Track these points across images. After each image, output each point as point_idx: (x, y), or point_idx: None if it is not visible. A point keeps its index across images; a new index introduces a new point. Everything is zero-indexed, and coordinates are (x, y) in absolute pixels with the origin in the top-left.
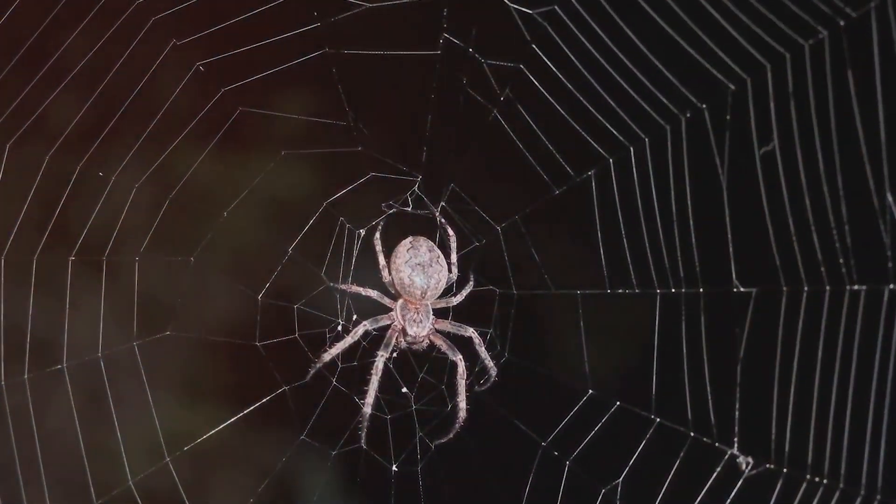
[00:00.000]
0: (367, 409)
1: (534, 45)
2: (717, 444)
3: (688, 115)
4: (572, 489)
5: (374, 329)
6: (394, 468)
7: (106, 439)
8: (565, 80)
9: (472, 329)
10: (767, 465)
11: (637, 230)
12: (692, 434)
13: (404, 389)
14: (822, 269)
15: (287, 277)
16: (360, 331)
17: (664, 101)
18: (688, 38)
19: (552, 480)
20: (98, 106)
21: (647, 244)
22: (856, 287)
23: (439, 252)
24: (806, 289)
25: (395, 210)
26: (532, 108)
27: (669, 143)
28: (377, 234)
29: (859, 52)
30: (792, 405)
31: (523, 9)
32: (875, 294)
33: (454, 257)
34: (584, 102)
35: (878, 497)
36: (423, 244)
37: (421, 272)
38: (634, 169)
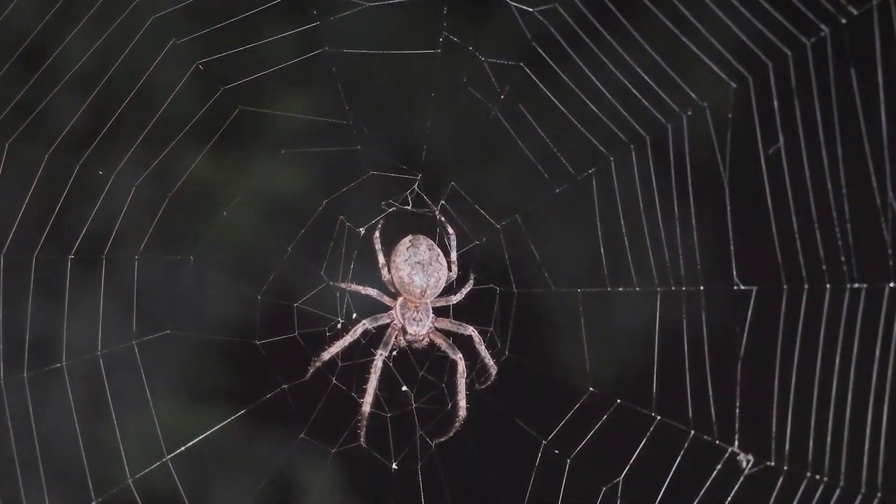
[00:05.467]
0: (367, 408)
1: (534, 43)
2: (717, 442)
3: (689, 112)
4: (573, 487)
5: (373, 327)
6: (394, 466)
7: (105, 437)
8: (566, 78)
9: (472, 327)
10: (768, 463)
11: (638, 228)
12: (693, 432)
13: (404, 388)
14: (823, 267)
15: (287, 276)
16: (359, 329)
17: (666, 98)
18: (689, 36)
19: (553, 478)
20: (97, 104)
21: (647, 242)
22: (856, 285)
23: (439, 250)
24: (806, 287)
25: (394, 208)
26: (533, 107)
27: (671, 141)
28: (377, 233)
29: (861, 49)
30: (792, 403)
31: (524, 6)
32: (876, 293)
33: (454, 255)
34: (585, 100)
35: (879, 495)
36: (423, 242)
37: (420, 270)
38: (636, 167)
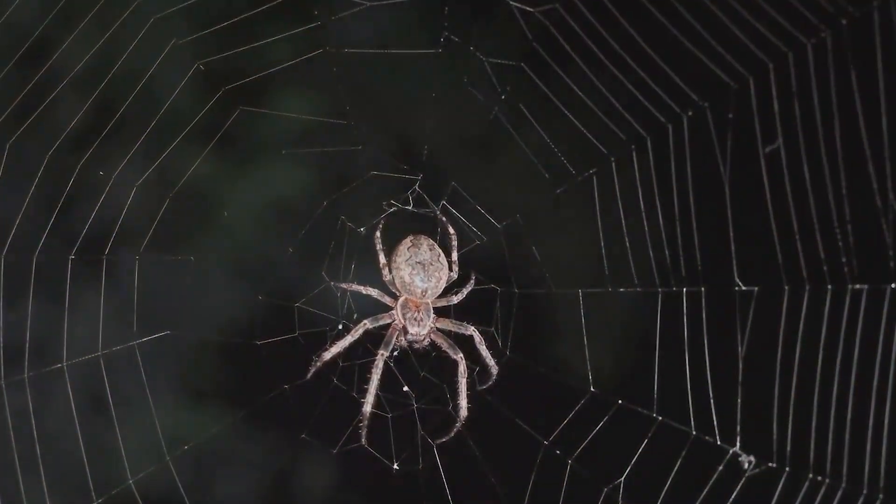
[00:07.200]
0: (368, 408)
1: (535, 44)
2: (719, 443)
3: (690, 113)
4: (574, 488)
5: (374, 328)
6: (395, 467)
7: (106, 438)
8: (567, 79)
9: (472, 327)
10: (769, 464)
11: (638, 229)
12: (694, 433)
13: (405, 388)
14: (824, 267)
15: (287, 276)
16: (360, 329)
17: (666, 99)
18: (690, 37)
19: (554, 479)
20: (98, 105)
21: (648, 242)
22: (857, 286)
23: (440, 250)
24: (808, 287)
25: (395, 209)
26: (533, 107)
27: (671, 142)
28: (377, 233)
29: (862, 50)
30: (794, 404)
31: (525, 7)
32: (877, 293)
33: (455, 256)
34: (586, 101)
35: (881, 496)
36: (424, 243)
37: (421, 271)
38: (636, 167)
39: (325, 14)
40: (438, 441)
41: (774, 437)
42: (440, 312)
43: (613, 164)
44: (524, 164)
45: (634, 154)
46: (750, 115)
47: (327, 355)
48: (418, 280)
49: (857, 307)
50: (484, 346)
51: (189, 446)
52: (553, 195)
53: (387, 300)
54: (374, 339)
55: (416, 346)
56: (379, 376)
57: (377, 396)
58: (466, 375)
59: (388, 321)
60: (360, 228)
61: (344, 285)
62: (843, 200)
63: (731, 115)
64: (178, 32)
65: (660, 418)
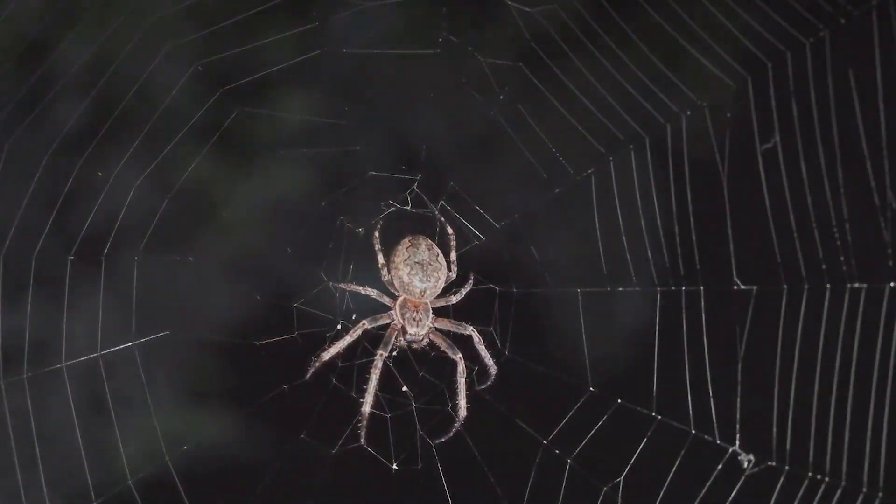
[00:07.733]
0: (367, 408)
1: (534, 44)
2: (718, 442)
3: (688, 112)
4: (573, 487)
5: (373, 328)
6: (394, 467)
7: (105, 439)
8: (565, 79)
9: (471, 327)
10: (769, 463)
11: (637, 228)
12: (693, 432)
13: (404, 388)
14: (823, 266)
15: (286, 276)
16: (359, 330)
17: (664, 99)
18: (688, 37)
19: (553, 479)
20: (97, 105)
21: (647, 242)
22: (856, 285)
23: (438, 251)
24: (806, 286)
25: (394, 209)
26: (532, 107)
27: (670, 141)
28: (376, 233)
29: (860, 50)
30: (793, 403)
31: (523, 7)
32: (875, 292)
33: (453, 256)
34: (585, 101)
35: (880, 495)
36: (423, 243)
37: (420, 271)
38: (634, 167)
39: (323, 14)
40: (437, 441)
41: (774, 435)
42: (439, 312)
43: (612, 163)
44: (522, 164)
45: (633, 154)
46: (748, 115)
47: (326, 355)
48: (417, 280)
49: (855, 306)
50: (483, 346)
51: (188, 446)
52: (551, 195)
53: (385, 300)
54: (373, 339)
55: (415, 346)
56: (378, 376)
57: (376, 396)
58: (465, 375)
59: (387, 321)
60: (358, 229)
61: (343, 285)
62: (842, 199)
63: (729, 115)
64: (176, 33)
65: (659, 417)
